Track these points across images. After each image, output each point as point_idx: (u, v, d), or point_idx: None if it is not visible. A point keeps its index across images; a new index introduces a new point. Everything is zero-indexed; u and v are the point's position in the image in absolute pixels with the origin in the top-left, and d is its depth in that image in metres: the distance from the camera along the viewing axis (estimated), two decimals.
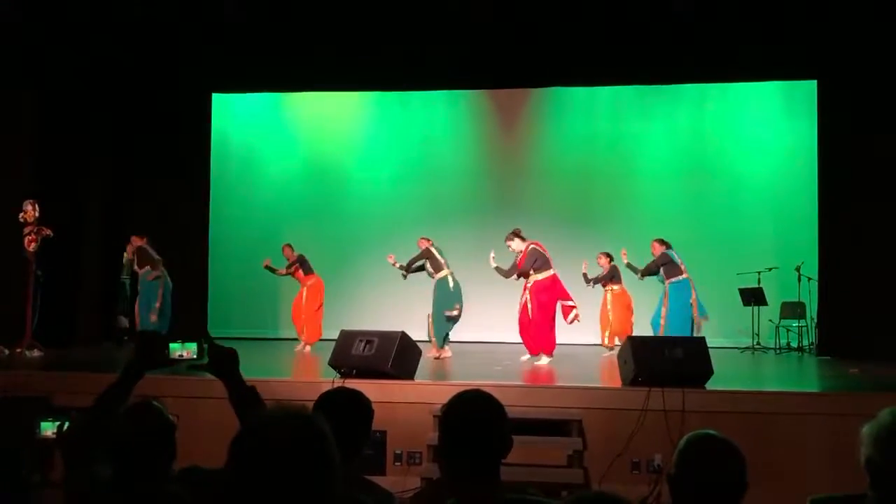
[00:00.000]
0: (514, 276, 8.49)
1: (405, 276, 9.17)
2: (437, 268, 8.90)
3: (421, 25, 9.59)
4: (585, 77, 10.29)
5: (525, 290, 8.39)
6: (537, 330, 8.23)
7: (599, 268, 9.56)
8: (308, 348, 9.59)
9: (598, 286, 9.55)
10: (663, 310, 8.70)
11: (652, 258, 8.87)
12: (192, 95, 10.49)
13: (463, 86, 11.01)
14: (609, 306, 9.40)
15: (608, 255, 9.52)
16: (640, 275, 8.93)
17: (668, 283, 8.74)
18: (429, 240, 9.10)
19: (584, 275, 9.42)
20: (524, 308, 8.33)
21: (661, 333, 8.55)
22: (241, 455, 1.41)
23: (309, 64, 10.11)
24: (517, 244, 8.45)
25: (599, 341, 9.68)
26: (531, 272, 8.31)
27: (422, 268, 9.05)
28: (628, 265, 9.06)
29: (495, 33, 9.57)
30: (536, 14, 9.49)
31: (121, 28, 9.83)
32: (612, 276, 9.41)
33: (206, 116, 10.76)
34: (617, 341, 9.20)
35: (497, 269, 8.61)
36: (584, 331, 9.49)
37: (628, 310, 9.38)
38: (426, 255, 8.97)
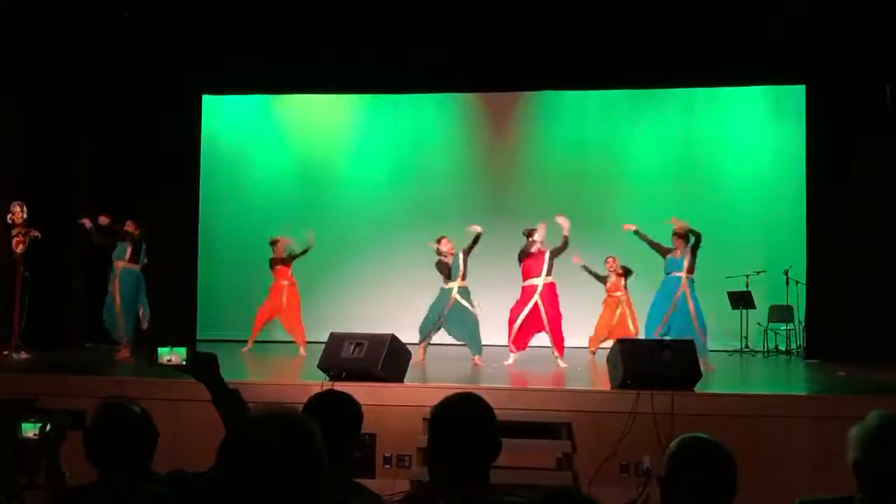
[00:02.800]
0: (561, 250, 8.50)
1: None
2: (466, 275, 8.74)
3: (411, 28, 9.60)
4: (575, 80, 10.32)
5: (534, 296, 8.38)
6: (558, 329, 8.36)
7: (606, 272, 9.44)
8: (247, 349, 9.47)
9: (593, 289, 9.47)
10: (682, 305, 8.31)
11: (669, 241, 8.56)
12: (182, 96, 10.45)
13: (453, 88, 11.01)
14: (627, 311, 9.25)
15: (616, 261, 9.39)
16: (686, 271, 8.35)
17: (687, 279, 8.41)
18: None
19: (585, 266, 9.35)
20: (537, 311, 8.35)
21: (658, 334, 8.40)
22: (230, 457, 1.41)
23: (299, 66, 10.09)
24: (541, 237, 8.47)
25: (586, 344, 9.61)
26: (544, 273, 8.40)
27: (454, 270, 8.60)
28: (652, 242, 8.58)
29: (486, 36, 9.59)
30: (527, 17, 9.51)
31: (112, 28, 9.80)
32: (625, 284, 9.31)
33: (197, 118, 10.72)
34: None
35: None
36: (574, 334, 9.49)
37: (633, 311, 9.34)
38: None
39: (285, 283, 9.51)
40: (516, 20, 9.54)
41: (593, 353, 9.24)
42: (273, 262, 9.57)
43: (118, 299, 8.66)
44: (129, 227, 8.80)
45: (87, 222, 8.73)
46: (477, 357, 8.42)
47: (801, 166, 9.81)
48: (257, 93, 11.56)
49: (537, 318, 8.38)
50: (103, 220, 8.68)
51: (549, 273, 8.44)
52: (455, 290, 8.56)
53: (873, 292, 8.82)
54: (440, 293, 8.69)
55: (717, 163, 11.31)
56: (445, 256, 8.66)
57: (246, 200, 11.84)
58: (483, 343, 8.87)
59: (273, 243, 9.60)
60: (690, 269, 8.32)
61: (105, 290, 8.88)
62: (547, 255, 8.45)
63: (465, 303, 8.53)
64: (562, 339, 8.44)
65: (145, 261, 8.90)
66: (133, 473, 2.38)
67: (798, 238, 9.82)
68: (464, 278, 8.61)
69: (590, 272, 9.44)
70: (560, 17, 9.48)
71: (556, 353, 8.41)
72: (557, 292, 8.54)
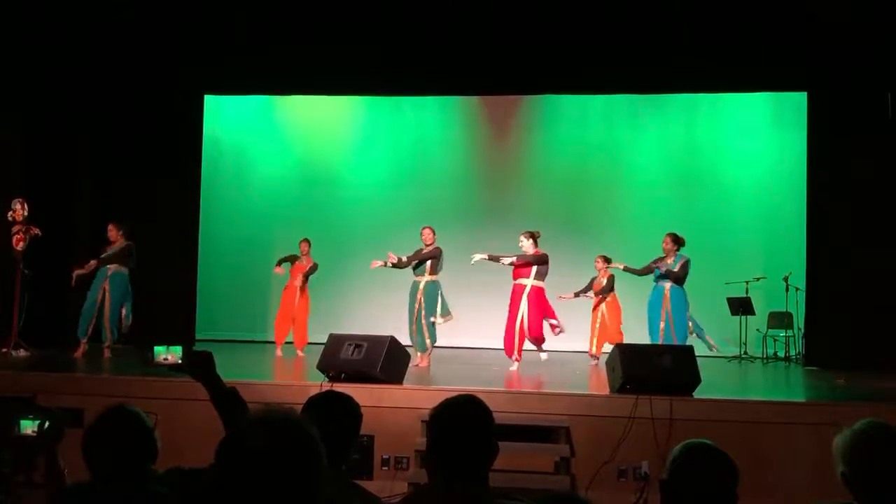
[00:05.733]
0: (512, 261, 8.37)
1: (400, 266, 8.64)
2: (435, 270, 8.67)
3: (413, 30, 9.60)
4: (577, 85, 10.32)
5: (522, 296, 8.37)
6: (534, 333, 8.34)
7: (595, 271, 9.44)
8: (299, 353, 9.41)
9: (590, 294, 9.37)
10: (668, 315, 8.43)
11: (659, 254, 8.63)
12: (184, 96, 10.45)
13: (455, 91, 11.01)
14: (605, 314, 9.24)
15: (606, 259, 9.29)
16: (672, 280, 8.44)
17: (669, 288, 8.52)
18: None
19: (576, 293, 9.27)
20: (518, 315, 8.31)
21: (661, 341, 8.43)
22: (228, 458, 1.40)
23: (301, 66, 10.09)
24: (529, 245, 8.41)
25: (586, 349, 9.60)
26: (532, 276, 8.34)
27: (421, 264, 8.63)
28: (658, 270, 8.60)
29: (488, 39, 9.59)
30: (529, 21, 9.52)
31: (113, 28, 9.81)
32: (611, 287, 9.25)
33: (199, 118, 10.72)
34: (606, 348, 9.19)
35: (489, 256, 8.40)
36: (572, 338, 9.48)
37: (619, 317, 9.32)
38: (437, 254, 8.62)
39: (298, 283, 9.43)
40: (518, 23, 9.54)
41: (597, 357, 9.16)
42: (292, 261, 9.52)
43: (108, 300, 8.59)
44: (112, 231, 8.76)
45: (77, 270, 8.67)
46: (419, 355, 8.38)
47: (801, 173, 9.81)
48: (259, 93, 11.57)
49: (519, 322, 8.35)
50: (92, 264, 8.66)
51: (536, 276, 8.40)
52: (423, 283, 8.56)
53: (873, 300, 8.81)
54: (411, 285, 8.69)
55: (717, 169, 11.31)
56: (424, 247, 8.65)
57: (247, 201, 11.85)
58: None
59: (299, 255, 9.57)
60: (677, 280, 8.38)
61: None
62: (538, 255, 8.40)
63: (426, 297, 8.48)
64: (541, 339, 8.44)
65: (132, 265, 8.82)
66: (128, 474, 2.37)
67: (798, 245, 9.82)
68: (432, 273, 8.59)
69: (578, 293, 9.35)
70: (562, 21, 9.48)
71: (538, 350, 8.42)
72: (546, 297, 8.50)
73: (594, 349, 9.28)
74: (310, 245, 9.55)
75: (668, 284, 8.45)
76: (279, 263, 9.52)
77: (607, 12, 9.37)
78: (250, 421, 1.45)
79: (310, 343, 9.30)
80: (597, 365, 8.93)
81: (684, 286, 8.52)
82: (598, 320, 9.26)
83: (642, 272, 8.76)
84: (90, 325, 8.57)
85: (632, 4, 9.38)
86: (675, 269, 8.40)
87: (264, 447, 1.38)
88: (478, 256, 8.45)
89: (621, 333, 9.11)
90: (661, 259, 8.59)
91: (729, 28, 9.26)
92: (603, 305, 9.28)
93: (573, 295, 9.31)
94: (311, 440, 1.42)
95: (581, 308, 9.52)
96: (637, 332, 8.88)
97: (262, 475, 1.37)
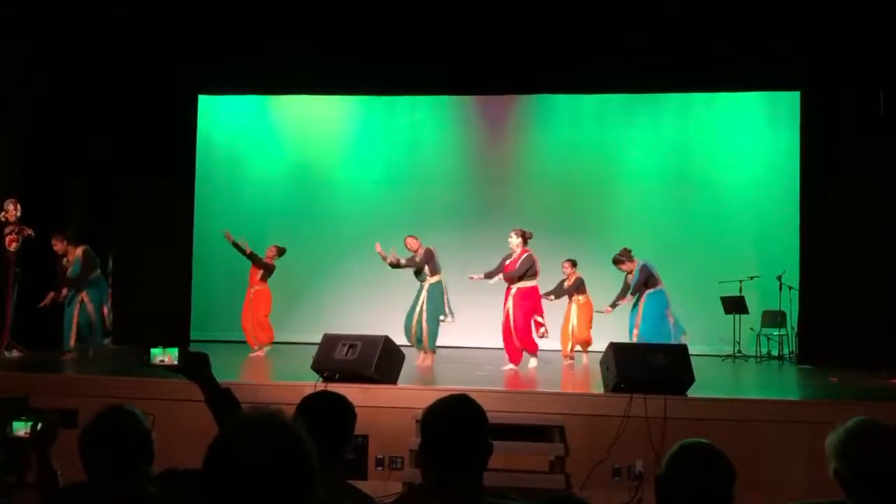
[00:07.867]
0: (500, 277, 8.36)
1: (393, 267, 8.75)
2: (436, 271, 8.69)
3: (408, 30, 9.60)
4: (571, 84, 10.34)
5: (508, 297, 8.36)
6: (520, 335, 8.24)
7: (562, 274, 9.41)
8: (263, 352, 9.36)
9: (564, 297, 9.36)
10: (637, 318, 8.67)
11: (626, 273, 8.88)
12: (178, 96, 10.43)
13: (449, 91, 11.02)
14: (574, 317, 9.23)
15: (573, 263, 9.31)
16: (630, 294, 8.79)
17: (644, 293, 8.73)
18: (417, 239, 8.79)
19: (548, 294, 9.14)
20: (506, 316, 8.32)
21: (633, 341, 8.55)
22: (217, 460, 1.40)
23: (296, 67, 10.09)
24: (517, 243, 8.34)
25: (561, 349, 9.57)
26: (518, 277, 8.28)
27: (420, 271, 8.69)
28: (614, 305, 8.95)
29: (481, 39, 9.60)
30: (522, 20, 9.53)
31: (108, 28, 9.78)
32: (578, 287, 9.26)
33: (193, 118, 10.70)
34: (579, 348, 9.29)
35: (486, 274, 8.46)
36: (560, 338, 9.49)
37: (590, 319, 9.29)
38: (430, 258, 8.64)
39: (253, 288, 9.51)
40: (512, 23, 9.55)
41: (571, 358, 9.17)
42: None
43: (90, 305, 8.52)
44: (57, 244, 8.51)
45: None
46: (421, 354, 8.41)
47: (794, 172, 9.85)
48: (253, 93, 11.55)
49: (507, 324, 8.33)
50: (64, 293, 8.55)
51: (521, 278, 8.31)
52: (427, 286, 8.58)
53: (865, 298, 8.85)
54: (417, 288, 8.73)
55: (711, 168, 11.33)
56: (415, 255, 8.71)
57: (241, 201, 11.82)
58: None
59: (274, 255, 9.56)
60: (643, 287, 8.73)
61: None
62: (521, 260, 8.28)
63: (428, 299, 8.52)
64: (532, 346, 8.34)
65: (98, 265, 8.74)
66: (126, 475, 2.37)
67: (791, 244, 9.85)
68: (433, 274, 8.62)
69: (548, 294, 9.24)
70: (556, 20, 9.49)
71: (510, 362, 8.24)
72: (539, 295, 8.46)
73: (569, 348, 9.26)
74: (276, 252, 9.50)
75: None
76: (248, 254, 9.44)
77: (602, 11, 9.38)
78: (237, 423, 1.44)
79: (305, 343, 9.28)
80: (571, 366, 8.93)
81: (662, 286, 8.72)
82: (571, 323, 9.26)
83: (623, 293, 8.94)
84: (72, 334, 8.49)
85: (627, 4, 9.40)
86: (636, 282, 8.74)
87: (251, 449, 1.38)
88: (475, 277, 8.49)
89: (590, 336, 9.14)
90: (625, 278, 8.91)
91: (722, 27, 9.28)
92: (574, 307, 9.28)
93: (549, 296, 9.19)
94: (299, 441, 1.41)
95: (562, 309, 9.49)
96: (611, 335, 8.83)
97: (249, 477, 1.36)
